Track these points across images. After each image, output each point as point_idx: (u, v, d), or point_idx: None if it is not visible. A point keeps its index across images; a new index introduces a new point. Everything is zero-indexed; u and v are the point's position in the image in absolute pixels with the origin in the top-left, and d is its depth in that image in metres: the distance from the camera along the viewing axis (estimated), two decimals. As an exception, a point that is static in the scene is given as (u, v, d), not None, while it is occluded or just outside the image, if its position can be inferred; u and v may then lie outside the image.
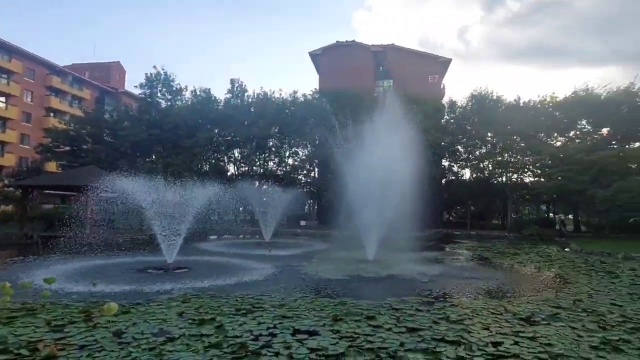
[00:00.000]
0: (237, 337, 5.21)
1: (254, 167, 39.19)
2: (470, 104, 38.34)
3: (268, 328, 5.64)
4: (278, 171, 38.60)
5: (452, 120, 39.87)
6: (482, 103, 37.19)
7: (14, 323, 5.67)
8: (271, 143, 38.75)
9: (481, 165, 38.79)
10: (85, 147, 37.75)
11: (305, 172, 39.43)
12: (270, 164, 39.42)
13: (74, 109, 58.93)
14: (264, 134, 36.05)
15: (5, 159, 47.61)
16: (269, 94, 37.99)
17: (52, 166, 42.36)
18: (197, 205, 12.44)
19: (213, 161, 38.38)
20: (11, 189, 35.55)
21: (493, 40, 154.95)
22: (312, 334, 5.42)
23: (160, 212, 11.98)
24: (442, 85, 50.76)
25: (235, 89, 37.62)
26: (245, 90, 37.84)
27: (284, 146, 38.61)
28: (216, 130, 37.28)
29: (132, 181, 12.56)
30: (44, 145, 39.07)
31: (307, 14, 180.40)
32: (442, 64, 49.89)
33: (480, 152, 38.16)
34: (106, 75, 67.98)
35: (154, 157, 37.16)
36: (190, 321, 5.96)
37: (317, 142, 35.08)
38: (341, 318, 6.29)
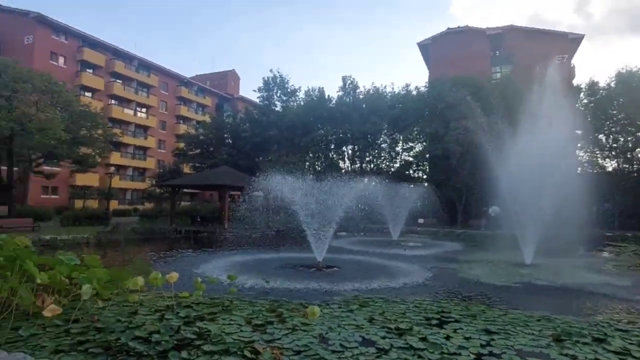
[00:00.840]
0: (456, 354, 4.56)
1: (364, 164, 38.92)
2: (613, 83, 32.90)
3: (482, 345, 4.88)
4: (392, 167, 37.74)
5: (591, 105, 34.60)
6: (629, 83, 31.60)
7: (217, 320, 5.80)
8: (382, 139, 38.13)
9: (629, 155, 33.14)
10: (212, 149, 41.26)
11: (419, 167, 37.89)
12: (382, 159, 38.79)
13: (199, 116, 65.45)
14: (376, 130, 35.50)
15: (147, 162, 54.80)
16: (380, 89, 37.27)
17: (184, 168, 47.43)
18: (344, 203, 12.19)
19: (327, 158, 38.89)
20: (153, 188, 40.61)
21: (622, 10, 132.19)
22: (541, 357, 4.52)
23: (308, 209, 12.01)
24: (572, 66, 44.67)
25: (346, 86, 37.65)
26: (357, 87, 37.63)
27: (398, 141, 37.55)
28: (329, 128, 37.71)
29: (277, 180, 12.87)
30: (178, 149, 43.70)
31: (397, 6, 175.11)
32: (571, 42, 43.88)
33: (628, 139, 32.56)
34: (223, 83, 74.06)
35: (270, 157, 39.09)
36: (386, 329, 5.48)
37: (430, 135, 33.37)
38: (563, 338, 5.25)
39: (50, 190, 42.15)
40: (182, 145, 48.54)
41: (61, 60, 44.08)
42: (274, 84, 38.78)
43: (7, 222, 18.76)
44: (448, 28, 48.42)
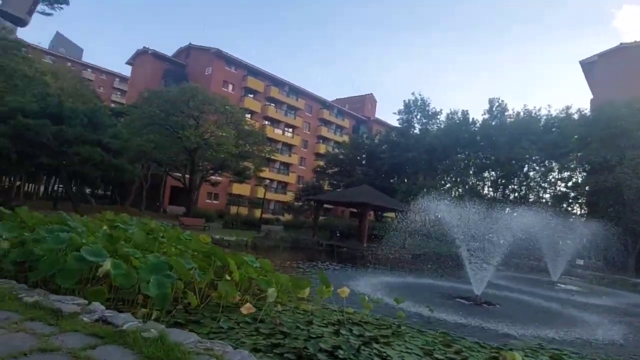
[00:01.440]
0: None
1: (507, 192, 35.83)
2: None
3: None
4: (542, 198, 33.91)
5: None
6: None
7: (392, 345, 5.39)
8: (531, 166, 34.67)
9: None
10: (349, 168, 43.11)
11: (577, 200, 33.16)
12: (530, 189, 35.16)
13: (337, 136, 69.14)
14: (525, 156, 32.44)
15: (290, 177, 59.93)
16: (533, 111, 34.12)
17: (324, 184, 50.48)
18: (508, 235, 11.38)
19: (464, 183, 37.00)
20: (293, 201, 44.18)
21: None
22: None
23: (468, 236, 11.59)
24: None
25: (493, 108, 35.52)
26: (505, 110, 35.18)
27: (552, 170, 33.64)
28: (469, 152, 35.95)
29: (442, 204, 12.80)
30: (319, 167, 46.80)
31: (548, 23, 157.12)
32: None
33: None
34: (361, 106, 76.95)
35: (406, 179, 39.00)
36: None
37: (597, 165, 28.97)
38: None
39: (212, 196, 49.34)
40: (321, 163, 51.96)
41: (230, 87, 51.80)
42: (415, 107, 38.86)
43: (186, 220, 22.73)
44: (621, 43, 41.88)
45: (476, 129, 36.04)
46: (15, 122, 14.69)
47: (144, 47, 54.66)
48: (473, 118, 36.57)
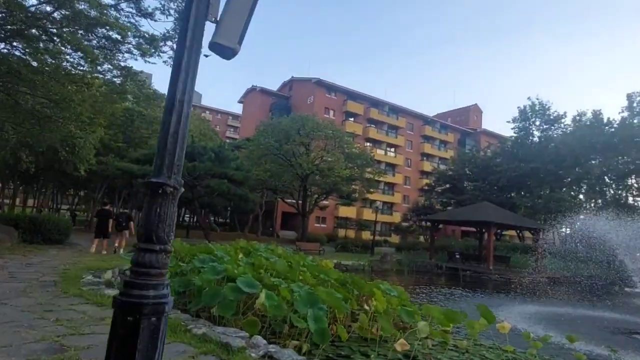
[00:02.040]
0: None
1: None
2: None
3: None
4: None
5: None
6: None
7: None
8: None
9: None
10: (460, 184, 40.51)
11: None
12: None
13: (441, 152, 66.16)
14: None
15: (395, 197, 58.68)
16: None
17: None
18: None
19: (602, 194, 31.93)
20: (399, 222, 42.92)
21: None
22: None
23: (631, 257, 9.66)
24: None
25: (634, 104, 30.37)
26: (651, 104, 29.83)
27: None
28: (607, 158, 31.04)
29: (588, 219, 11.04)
30: (428, 185, 44.98)
31: None
32: None
33: None
34: (465, 118, 72.89)
35: (526, 192, 35.16)
36: None
37: None
38: None
39: (321, 220, 50.54)
40: (427, 180, 49.88)
41: (331, 112, 53.35)
42: (532, 112, 35.20)
43: (302, 245, 23.32)
44: None
45: (613, 129, 31.11)
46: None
47: (253, 85, 59.68)
48: (608, 118, 31.70)
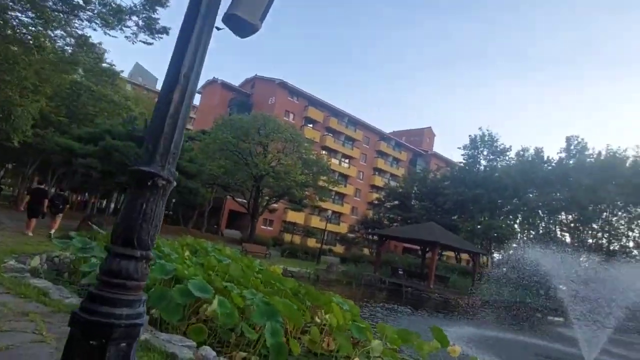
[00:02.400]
0: None
1: (584, 237, 32.77)
2: None
3: None
4: (627, 247, 30.62)
5: None
6: None
7: None
8: (613, 212, 31.56)
9: None
10: (408, 202, 41.72)
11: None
12: (612, 236, 31.97)
13: (393, 169, 67.99)
14: (610, 200, 29.54)
15: (344, 208, 59.28)
16: (618, 152, 31.30)
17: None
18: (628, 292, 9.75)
19: (535, 226, 34.31)
20: (346, 233, 43.40)
21: None
22: None
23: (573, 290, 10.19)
24: None
25: (571, 147, 33.07)
26: (585, 149, 32.60)
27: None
28: (543, 193, 33.44)
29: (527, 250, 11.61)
30: (378, 199, 45.85)
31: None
32: None
33: None
34: (419, 139, 75.64)
35: (468, 217, 36.97)
36: None
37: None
38: None
39: (268, 222, 49.75)
40: (377, 195, 50.88)
41: (291, 116, 52.99)
42: (481, 142, 37.21)
43: (249, 246, 22.68)
44: None
45: (550, 167, 33.67)
46: (104, 143, 15.59)
47: (214, 77, 57.95)
48: (548, 156, 34.29)
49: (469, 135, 37.80)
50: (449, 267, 29.31)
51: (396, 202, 42.82)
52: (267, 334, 4.31)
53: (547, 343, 11.48)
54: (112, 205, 43.67)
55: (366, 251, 55.75)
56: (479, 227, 34.20)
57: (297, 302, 5.66)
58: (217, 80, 57.04)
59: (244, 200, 28.82)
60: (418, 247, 30.08)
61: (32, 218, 12.56)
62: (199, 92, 62.58)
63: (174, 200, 25.29)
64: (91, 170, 16.44)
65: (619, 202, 31.28)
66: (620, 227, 32.44)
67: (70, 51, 14.15)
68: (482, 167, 37.60)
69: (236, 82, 60.25)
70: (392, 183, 65.75)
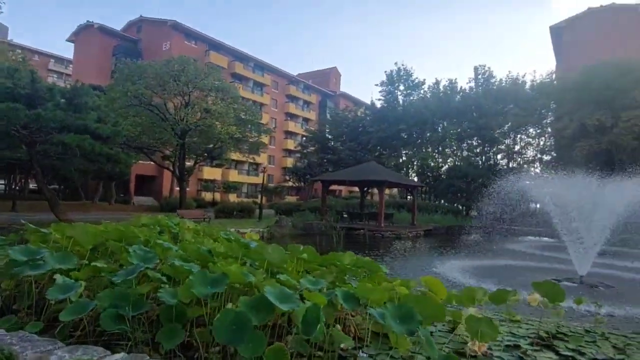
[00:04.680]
0: None
1: (494, 161, 36.20)
2: None
3: None
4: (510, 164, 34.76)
5: None
6: None
7: None
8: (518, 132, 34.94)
9: None
10: (330, 145, 41.29)
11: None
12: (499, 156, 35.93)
13: (304, 113, 66.83)
14: (519, 123, 32.44)
15: (260, 158, 57.07)
16: (519, 78, 34.06)
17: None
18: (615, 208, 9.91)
19: (460, 154, 36.46)
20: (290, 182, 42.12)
21: None
22: None
23: (562, 211, 10.26)
24: None
25: (479, 76, 35.01)
26: (492, 77, 34.78)
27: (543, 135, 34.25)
28: (459, 122, 35.41)
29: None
30: (301, 145, 44.66)
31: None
32: None
33: None
34: (325, 80, 74.70)
35: (392, 152, 38.06)
36: None
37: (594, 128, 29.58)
38: None
39: (182, 183, 45.75)
40: (292, 141, 49.49)
41: (192, 63, 47.49)
42: (397, 77, 37.50)
43: (185, 213, 20.04)
44: (588, 8, 42.91)
45: (459, 98, 35.52)
46: (-24, 107, 11.38)
47: (88, 21, 48.57)
48: (461, 87, 35.99)
49: (385, 72, 37.84)
50: (388, 203, 30.04)
51: (317, 146, 42.10)
52: (429, 348, 2.88)
53: (536, 263, 11.94)
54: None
55: (290, 199, 55.47)
56: (402, 160, 35.44)
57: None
58: (93, 24, 47.93)
59: (168, 162, 25.12)
60: (358, 189, 30.13)
61: None
62: (71, 41, 52.35)
63: (73, 171, 20.65)
64: (-38, 145, 12.17)
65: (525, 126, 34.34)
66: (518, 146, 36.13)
67: None
68: (400, 102, 38.23)
69: (117, 26, 51.41)
70: (305, 127, 64.97)
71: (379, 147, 36.94)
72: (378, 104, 38.90)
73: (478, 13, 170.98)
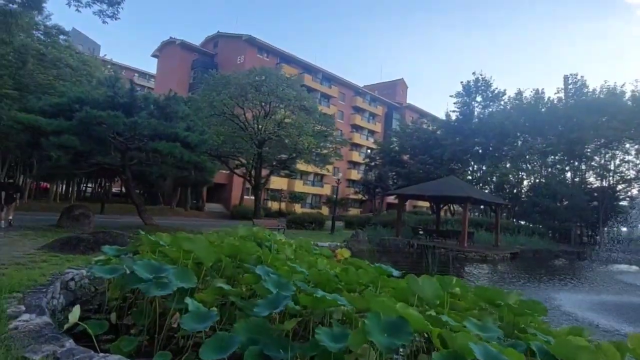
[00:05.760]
0: None
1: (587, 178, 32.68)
2: None
3: None
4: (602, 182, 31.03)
5: None
6: None
7: None
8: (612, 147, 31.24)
9: None
10: (401, 158, 39.94)
11: None
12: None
13: (370, 124, 65.99)
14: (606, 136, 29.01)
15: (325, 170, 57.04)
16: (617, 88, 30.56)
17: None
18: None
19: (546, 171, 33.49)
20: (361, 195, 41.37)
21: None
22: None
23: None
24: None
25: (569, 87, 31.99)
26: (585, 87, 31.60)
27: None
28: (545, 136, 32.49)
29: None
30: (369, 158, 43.87)
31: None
32: None
33: None
34: (392, 92, 73.44)
35: (466, 167, 35.91)
36: None
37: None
38: None
39: (250, 191, 46.72)
40: (357, 153, 48.57)
41: (263, 75, 48.84)
42: (475, 88, 35.44)
43: (261, 222, 20.00)
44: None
45: (546, 109, 32.62)
46: (82, 114, 12.06)
47: (171, 37, 51.96)
48: (548, 97, 33.13)
49: (461, 82, 35.93)
50: (459, 221, 28.03)
51: (385, 159, 40.91)
52: None
53: None
54: (75, 188, 38.90)
55: (353, 211, 54.62)
56: (477, 175, 33.21)
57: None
58: (175, 40, 51.19)
59: (245, 171, 25.45)
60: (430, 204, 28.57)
61: None
62: (155, 56, 56.37)
63: (157, 178, 21.54)
64: (69, 150, 12.92)
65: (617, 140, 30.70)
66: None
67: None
68: (476, 114, 36.10)
69: (196, 41, 54.47)
70: (370, 139, 64.05)
71: (451, 162, 34.98)
72: (453, 116, 36.98)
73: (564, 18, 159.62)
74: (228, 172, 30.77)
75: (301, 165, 50.17)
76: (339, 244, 17.51)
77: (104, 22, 8.78)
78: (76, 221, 14.04)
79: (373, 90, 70.80)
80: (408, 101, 74.60)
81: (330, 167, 56.20)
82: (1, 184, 14.12)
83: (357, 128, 62.87)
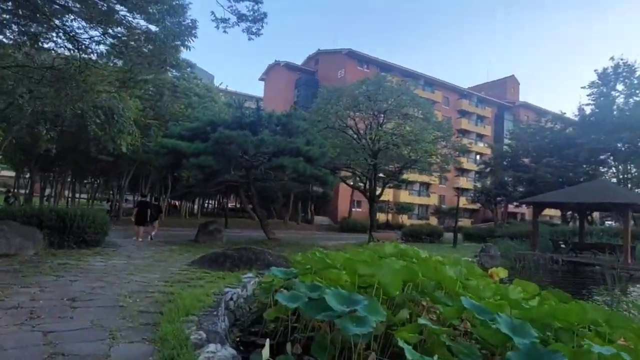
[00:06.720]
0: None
1: None
2: None
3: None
4: None
5: None
6: None
7: None
8: None
9: None
10: (524, 161, 35.94)
11: None
12: None
13: (478, 128, 61.46)
14: None
15: (431, 178, 54.30)
16: None
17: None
18: None
19: None
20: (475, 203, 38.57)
21: None
22: None
23: None
24: None
25: None
26: None
27: None
28: None
29: None
30: (484, 163, 40.74)
31: None
32: None
33: None
34: (501, 91, 67.69)
35: (607, 168, 30.79)
36: None
37: None
38: None
39: (356, 203, 46.42)
40: (464, 159, 45.09)
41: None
42: (615, 76, 30.35)
43: (380, 235, 19.37)
44: None
45: None
46: (217, 135, 12.85)
47: (276, 61, 55.01)
48: None
49: (595, 70, 31.07)
50: (606, 232, 23.73)
51: (502, 164, 37.21)
52: None
53: None
54: (199, 205, 42.70)
55: (463, 222, 50.84)
56: (625, 176, 28.13)
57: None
58: (280, 62, 54.04)
59: (361, 184, 25.12)
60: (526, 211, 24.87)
61: (139, 226, 14.03)
62: (262, 80, 60.19)
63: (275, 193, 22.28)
64: (205, 169, 13.87)
65: None
66: None
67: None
68: (616, 106, 30.85)
69: (298, 61, 56.83)
70: (479, 144, 59.49)
71: (587, 163, 30.26)
72: (587, 110, 32.09)
73: None
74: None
75: (408, 175, 48.59)
76: (470, 259, 15.86)
77: (249, 39, 9.04)
78: (211, 235, 14.93)
79: (479, 91, 66.09)
80: (521, 99, 67.97)
81: (437, 176, 53.67)
82: (148, 204, 15.71)
83: (464, 133, 58.96)
